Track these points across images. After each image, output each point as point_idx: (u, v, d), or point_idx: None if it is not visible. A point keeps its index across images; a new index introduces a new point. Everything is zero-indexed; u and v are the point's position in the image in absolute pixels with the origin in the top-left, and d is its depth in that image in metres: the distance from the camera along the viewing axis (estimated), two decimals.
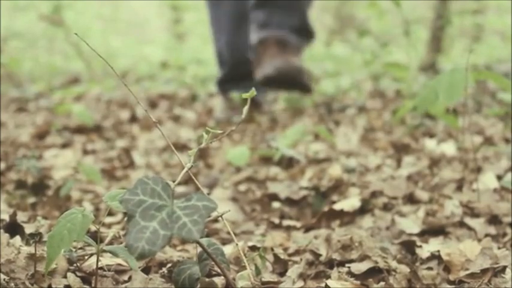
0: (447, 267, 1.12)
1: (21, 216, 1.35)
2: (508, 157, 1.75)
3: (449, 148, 1.95)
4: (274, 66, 2.38)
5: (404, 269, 1.08)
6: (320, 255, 1.16)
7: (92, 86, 3.93)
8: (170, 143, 0.94)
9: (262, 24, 2.55)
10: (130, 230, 0.74)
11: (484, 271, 1.08)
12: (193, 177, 0.98)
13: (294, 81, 2.38)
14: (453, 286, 1.07)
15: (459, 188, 1.55)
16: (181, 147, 2.19)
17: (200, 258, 0.89)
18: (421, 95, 1.49)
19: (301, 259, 1.14)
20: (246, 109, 0.99)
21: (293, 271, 1.10)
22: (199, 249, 0.91)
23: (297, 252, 1.22)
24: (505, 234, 1.28)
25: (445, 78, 1.39)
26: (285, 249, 1.24)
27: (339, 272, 1.07)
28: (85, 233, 0.87)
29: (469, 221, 1.32)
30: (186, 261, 0.89)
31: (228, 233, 1.34)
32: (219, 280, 0.97)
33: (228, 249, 1.19)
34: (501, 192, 1.48)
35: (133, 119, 2.86)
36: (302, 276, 1.09)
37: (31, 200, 1.61)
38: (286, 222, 1.45)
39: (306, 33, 2.60)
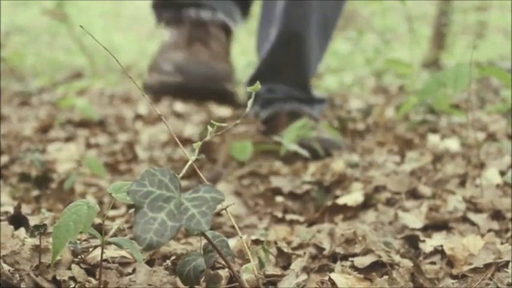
0: (450, 262, 1.12)
1: (25, 209, 1.36)
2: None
3: (452, 144, 1.95)
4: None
5: (408, 263, 1.08)
6: (323, 249, 1.16)
7: (94, 80, 3.93)
8: (175, 136, 0.95)
9: (266, 100, 2.22)
10: (138, 221, 0.74)
11: (487, 266, 1.08)
12: (198, 171, 0.98)
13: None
14: (456, 280, 1.07)
15: (462, 184, 1.55)
16: (184, 142, 2.19)
17: (205, 250, 0.89)
18: (424, 85, 1.50)
19: (304, 253, 1.15)
20: (250, 102, 0.99)
21: (296, 264, 1.10)
22: (204, 242, 0.91)
23: (301, 246, 1.22)
24: (507, 230, 1.29)
25: (450, 71, 1.40)
26: (289, 243, 1.24)
27: (343, 265, 1.07)
28: (90, 225, 0.87)
29: (472, 216, 1.33)
30: (190, 254, 0.90)
31: (232, 226, 1.35)
32: (223, 272, 0.97)
33: (231, 243, 1.19)
34: (504, 188, 1.48)
35: (136, 113, 2.86)
36: (305, 269, 1.09)
37: (35, 192, 1.61)
38: (289, 217, 1.45)
39: (315, 101, 2.28)
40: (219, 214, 1.38)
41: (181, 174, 0.88)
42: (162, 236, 0.73)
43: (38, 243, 0.98)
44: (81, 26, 1.02)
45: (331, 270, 1.06)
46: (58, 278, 0.94)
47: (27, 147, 2.09)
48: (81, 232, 0.89)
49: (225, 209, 0.96)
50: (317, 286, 1.00)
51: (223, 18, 2.23)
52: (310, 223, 1.41)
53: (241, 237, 0.97)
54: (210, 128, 0.96)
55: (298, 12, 2.15)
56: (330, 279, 1.01)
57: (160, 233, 0.73)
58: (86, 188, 1.69)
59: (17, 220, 1.18)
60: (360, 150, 2.03)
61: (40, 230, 0.99)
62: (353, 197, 1.47)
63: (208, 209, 0.74)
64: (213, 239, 0.89)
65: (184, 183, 1.69)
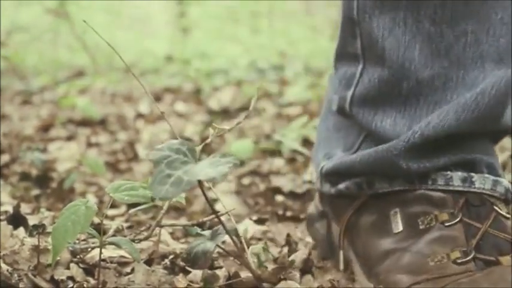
0: None
1: (25, 208, 1.36)
2: None
3: None
4: None
5: None
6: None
7: (96, 79, 3.93)
8: (177, 135, 0.94)
9: None
10: (156, 175, 0.78)
11: None
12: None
13: None
14: None
15: None
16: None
17: (213, 236, 0.91)
18: None
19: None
20: (254, 100, 0.98)
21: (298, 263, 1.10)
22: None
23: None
24: None
25: None
26: None
27: None
28: (89, 225, 0.87)
29: None
30: (198, 239, 0.92)
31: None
32: (221, 272, 0.97)
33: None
34: None
35: (137, 112, 2.86)
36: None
37: (35, 192, 1.61)
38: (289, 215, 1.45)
39: None
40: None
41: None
42: (178, 188, 0.76)
43: (37, 243, 0.98)
44: (84, 21, 1.01)
45: None
46: (56, 277, 0.94)
47: (28, 146, 2.09)
48: (80, 232, 0.89)
49: (227, 213, 0.96)
50: (318, 285, 1.00)
51: None
52: None
53: (241, 237, 0.97)
54: (211, 130, 0.96)
55: None
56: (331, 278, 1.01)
57: (176, 185, 0.77)
58: (86, 187, 1.69)
59: (16, 220, 1.18)
60: None
61: (39, 230, 0.99)
62: None
63: (223, 168, 0.78)
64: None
65: None
